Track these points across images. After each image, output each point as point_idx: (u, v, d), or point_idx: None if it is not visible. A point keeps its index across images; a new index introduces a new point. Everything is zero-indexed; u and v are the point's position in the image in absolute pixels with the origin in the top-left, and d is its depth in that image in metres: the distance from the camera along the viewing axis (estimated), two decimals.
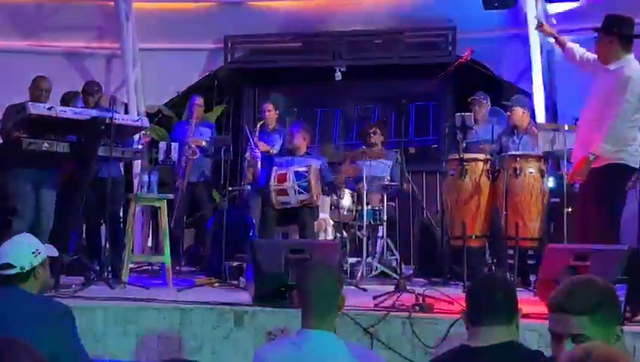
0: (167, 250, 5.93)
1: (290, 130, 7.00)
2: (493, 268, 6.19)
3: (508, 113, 6.34)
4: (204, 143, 7.18)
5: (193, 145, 7.11)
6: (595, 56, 5.04)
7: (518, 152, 5.83)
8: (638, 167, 4.92)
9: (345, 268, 6.26)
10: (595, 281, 2.13)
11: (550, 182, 5.84)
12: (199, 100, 7.51)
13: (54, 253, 3.18)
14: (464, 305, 2.53)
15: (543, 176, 5.68)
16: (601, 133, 4.76)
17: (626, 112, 4.73)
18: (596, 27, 4.96)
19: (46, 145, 5.47)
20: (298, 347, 2.55)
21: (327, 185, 6.67)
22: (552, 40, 5.91)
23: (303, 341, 2.53)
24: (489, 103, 6.88)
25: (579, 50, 5.22)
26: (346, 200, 6.65)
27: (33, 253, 2.99)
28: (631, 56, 4.85)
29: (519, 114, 6.29)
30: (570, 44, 5.29)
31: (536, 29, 5.87)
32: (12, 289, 2.94)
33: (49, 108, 5.47)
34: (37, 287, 3.02)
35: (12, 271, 2.93)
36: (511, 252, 5.79)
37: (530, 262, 5.93)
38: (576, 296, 2.01)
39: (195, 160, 7.13)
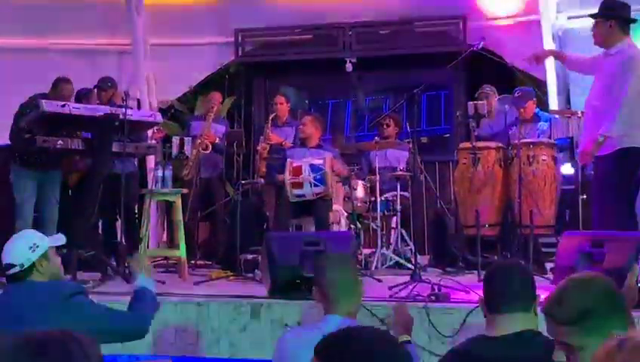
0: (182, 243, 5.95)
1: (301, 120, 6.99)
2: (508, 256, 6.18)
3: (521, 110, 6.28)
4: (217, 140, 7.18)
5: (206, 140, 7.11)
6: (589, 56, 5.11)
7: (530, 140, 5.81)
8: None
9: (359, 259, 6.26)
10: (592, 283, 1.95)
11: (566, 169, 5.83)
12: (218, 96, 7.52)
13: (57, 241, 3.22)
14: (480, 294, 2.54)
15: (556, 164, 5.66)
16: (610, 114, 4.77)
17: (633, 92, 4.73)
18: (594, 13, 5.00)
19: (60, 142, 5.50)
20: (322, 331, 2.58)
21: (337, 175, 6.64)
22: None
23: (327, 325, 2.55)
24: (496, 94, 6.85)
25: (577, 57, 5.38)
26: (360, 191, 6.64)
27: (30, 248, 3.05)
28: (630, 38, 4.93)
29: (533, 108, 6.34)
30: (568, 55, 5.49)
31: (535, 61, 5.81)
32: (21, 283, 3.03)
33: (62, 106, 5.49)
34: (44, 279, 3.07)
35: (14, 271, 3.03)
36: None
37: (544, 249, 5.92)
38: (563, 303, 1.88)
39: (208, 155, 7.13)
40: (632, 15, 5.03)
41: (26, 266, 3.02)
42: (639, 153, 4.85)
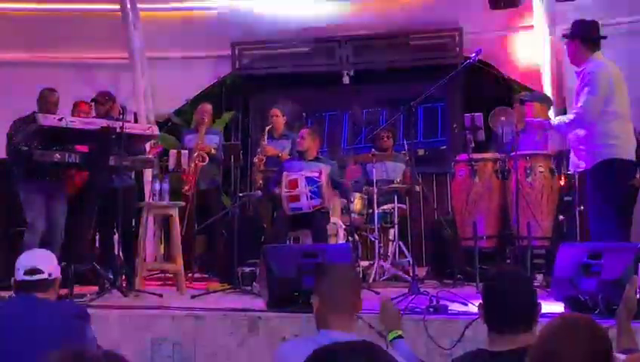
0: (179, 257, 5.94)
1: (299, 133, 7.00)
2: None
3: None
4: (213, 151, 7.19)
5: (202, 152, 7.12)
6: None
7: (527, 151, 5.81)
8: (634, 159, 4.98)
9: (357, 272, 6.24)
10: (589, 332, 1.80)
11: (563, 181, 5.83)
12: (208, 107, 7.53)
13: None
14: (481, 307, 2.51)
15: (553, 175, 5.66)
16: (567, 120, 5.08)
17: (590, 103, 4.90)
18: (564, 34, 5.27)
19: (57, 156, 5.48)
20: (318, 343, 2.55)
21: (337, 188, 6.63)
22: None
23: (325, 340, 2.53)
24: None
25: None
26: (357, 203, 6.64)
27: (57, 264, 3.04)
28: (597, 54, 5.08)
29: (532, 109, 6.29)
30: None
31: None
32: (32, 299, 2.96)
33: (59, 119, 5.48)
34: (54, 298, 3.06)
35: (39, 277, 2.96)
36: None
37: (540, 261, 5.91)
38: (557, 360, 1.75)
39: (204, 167, 7.14)
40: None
41: (52, 277, 2.99)
42: (625, 164, 4.92)
